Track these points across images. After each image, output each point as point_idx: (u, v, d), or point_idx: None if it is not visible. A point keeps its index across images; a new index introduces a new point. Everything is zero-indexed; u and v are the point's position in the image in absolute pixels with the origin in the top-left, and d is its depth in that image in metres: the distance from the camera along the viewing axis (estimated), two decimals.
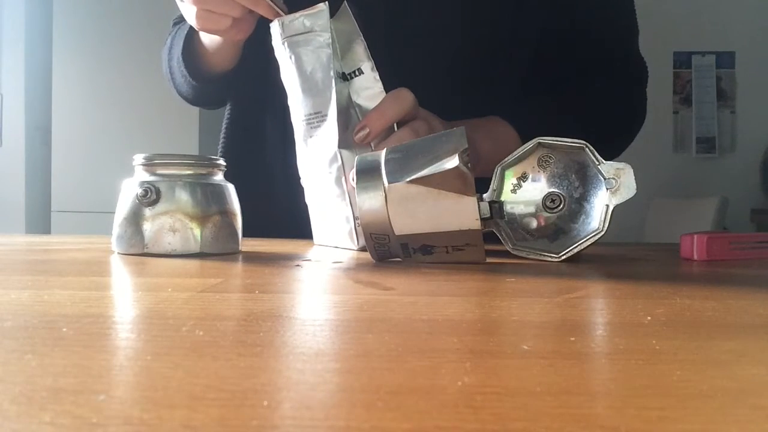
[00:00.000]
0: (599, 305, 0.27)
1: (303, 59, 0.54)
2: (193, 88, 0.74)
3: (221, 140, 0.81)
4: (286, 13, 0.55)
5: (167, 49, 0.76)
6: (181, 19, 0.79)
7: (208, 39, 0.67)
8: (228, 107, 0.81)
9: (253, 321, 0.22)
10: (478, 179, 0.41)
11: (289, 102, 0.57)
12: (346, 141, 0.52)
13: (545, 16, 0.72)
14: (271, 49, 0.57)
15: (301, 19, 0.54)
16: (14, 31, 2.64)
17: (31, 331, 0.20)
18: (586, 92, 0.74)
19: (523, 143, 0.49)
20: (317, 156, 0.55)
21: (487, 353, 0.18)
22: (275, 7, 0.55)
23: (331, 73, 0.52)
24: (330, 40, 0.52)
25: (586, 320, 0.24)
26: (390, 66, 0.56)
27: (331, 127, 0.53)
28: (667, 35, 2.97)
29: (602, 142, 0.51)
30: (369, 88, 0.54)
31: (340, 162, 0.52)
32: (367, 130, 0.51)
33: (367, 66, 0.54)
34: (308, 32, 0.53)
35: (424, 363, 0.17)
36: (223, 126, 0.81)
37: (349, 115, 0.54)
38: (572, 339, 0.20)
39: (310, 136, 0.55)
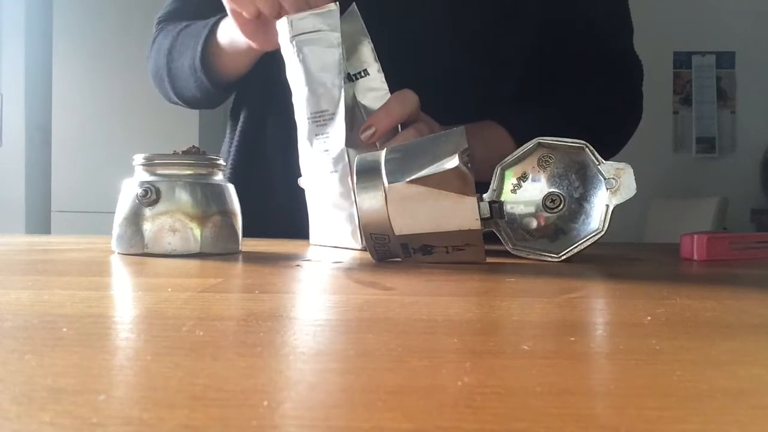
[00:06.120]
0: (599, 305, 0.27)
1: (311, 58, 0.54)
2: (206, 93, 0.73)
3: (233, 149, 0.79)
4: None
5: (164, 51, 0.75)
6: (166, 18, 0.79)
7: (229, 46, 0.66)
8: (242, 116, 0.79)
9: (253, 321, 0.22)
10: (475, 184, 0.41)
11: (294, 100, 0.57)
12: (351, 140, 0.53)
13: (539, 15, 0.72)
14: (272, 51, 0.56)
15: (310, 18, 0.54)
16: (14, 31, 2.64)
17: (31, 331, 0.20)
18: (582, 92, 0.74)
19: (519, 147, 0.49)
20: (322, 154, 0.55)
21: (487, 353, 0.18)
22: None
23: (341, 73, 0.52)
24: (340, 40, 0.52)
25: (586, 320, 0.24)
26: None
27: (338, 125, 0.53)
28: (667, 35, 2.97)
29: (600, 141, 0.51)
30: (375, 90, 0.54)
31: (346, 160, 0.53)
32: (374, 129, 0.52)
33: (374, 68, 0.54)
34: (317, 31, 0.53)
35: (424, 363, 0.17)
36: (236, 136, 0.78)
37: (354, 115, 0.54)
38: (572, 339, 0.20)
39: (315, 135, 0.55)
